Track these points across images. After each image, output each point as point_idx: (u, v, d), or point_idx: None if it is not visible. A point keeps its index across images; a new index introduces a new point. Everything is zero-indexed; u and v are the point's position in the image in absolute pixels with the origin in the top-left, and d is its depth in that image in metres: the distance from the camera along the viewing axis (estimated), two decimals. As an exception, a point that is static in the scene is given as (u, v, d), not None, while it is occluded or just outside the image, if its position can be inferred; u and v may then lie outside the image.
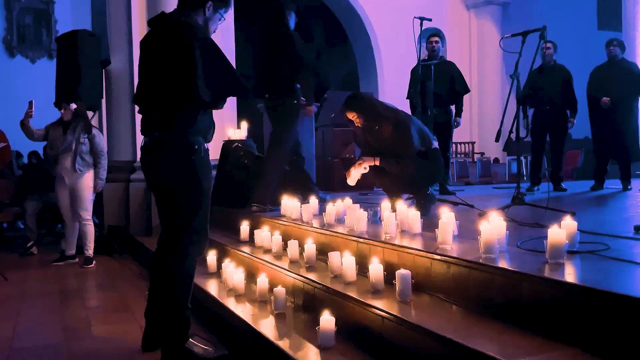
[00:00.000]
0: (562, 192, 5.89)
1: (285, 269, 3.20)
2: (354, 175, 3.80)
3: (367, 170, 3.77)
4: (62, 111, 5.71)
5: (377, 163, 3.70)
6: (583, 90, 6.35)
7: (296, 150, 4.77)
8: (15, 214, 6.92)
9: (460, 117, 6.13)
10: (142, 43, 2.81)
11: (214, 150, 6.76)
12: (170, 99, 2.65)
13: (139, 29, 6.71)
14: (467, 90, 6.18)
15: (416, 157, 3.67)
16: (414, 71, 5.99)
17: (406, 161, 3.65)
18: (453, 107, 6.15)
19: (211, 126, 2.82)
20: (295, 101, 4.55)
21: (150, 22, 2.81)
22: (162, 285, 2.73)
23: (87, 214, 5.65)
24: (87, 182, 5.61)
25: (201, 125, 2.71)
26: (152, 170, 2.78)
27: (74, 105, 5.66)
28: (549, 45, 5.90)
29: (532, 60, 4.50)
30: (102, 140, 5.79)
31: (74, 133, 5.58)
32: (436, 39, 6.10)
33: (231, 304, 3.16)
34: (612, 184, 6.26)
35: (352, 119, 3.79)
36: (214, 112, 2.85)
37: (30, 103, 5.41)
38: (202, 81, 2.57)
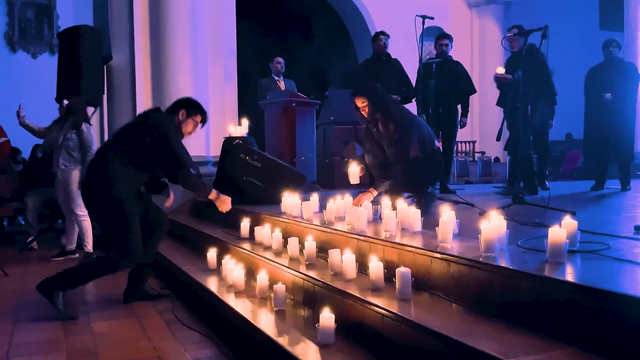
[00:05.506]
0: (546, 192, 5.81)
1: (285, 266, 3.21)
2: (354, 173, 3.85)
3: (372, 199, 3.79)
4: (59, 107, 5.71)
5: (374, 194, 3.81)
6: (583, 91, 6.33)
7: None
8: (15, 209, 6.91)
9: (466, 117, 6.12)
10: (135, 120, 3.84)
11: (214, 147, 6.81)
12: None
13: (141, 25, 6.70)
14: (473, 91, 6.16)
15: (412, 161, 3.71)
16: (419, 70, 5.98)
17: (395, 170, 3.70)
18: (459, 107, 6.13)
19: (139, 180, 3.67)
20: None
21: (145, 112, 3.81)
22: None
23: (80, 209, 5.56)
24: (75, 178, 5.53)
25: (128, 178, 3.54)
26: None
27: (66, 101, 5.63)
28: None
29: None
30: (90, 137, 5.61)
31: (61, 129, 5.56)
32: (446, 42, 6.09)
33: (231, 300, 3.16)
34: (612, 184, 6.26)
35: (361, 105, 3.81)
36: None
37: (20, 105, 5.44)
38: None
